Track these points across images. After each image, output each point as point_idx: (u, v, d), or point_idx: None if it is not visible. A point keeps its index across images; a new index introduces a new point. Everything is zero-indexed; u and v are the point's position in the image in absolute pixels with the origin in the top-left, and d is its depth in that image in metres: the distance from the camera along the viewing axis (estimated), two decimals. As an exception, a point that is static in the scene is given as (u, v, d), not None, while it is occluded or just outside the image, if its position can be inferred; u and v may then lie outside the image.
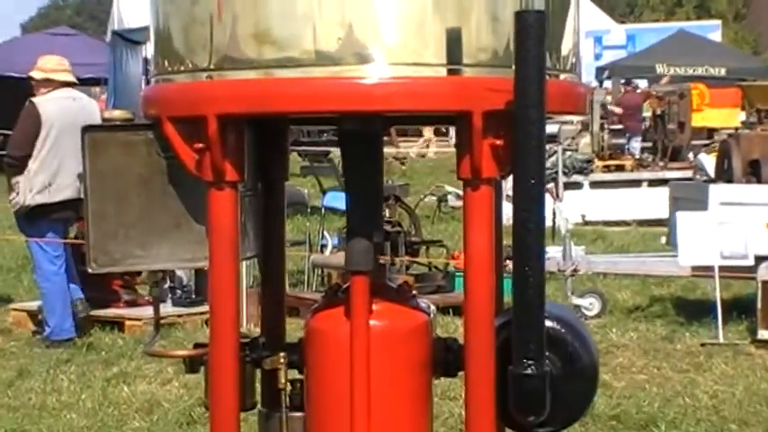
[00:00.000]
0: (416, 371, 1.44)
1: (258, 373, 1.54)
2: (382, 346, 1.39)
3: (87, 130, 1.41)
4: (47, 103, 5.35)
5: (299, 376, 1.51)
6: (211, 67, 1.29)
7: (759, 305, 5.84)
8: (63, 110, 5.38)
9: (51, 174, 5.44)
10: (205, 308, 5.59)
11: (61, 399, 4.72)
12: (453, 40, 1.25)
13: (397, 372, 1.43)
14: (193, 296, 6.10)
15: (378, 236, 1.43)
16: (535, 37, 1.21)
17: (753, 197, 7.04)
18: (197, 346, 1.49)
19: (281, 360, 1.49)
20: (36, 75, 5.60)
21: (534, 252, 1.27)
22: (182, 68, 1.34)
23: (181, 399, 4.56)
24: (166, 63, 1.38)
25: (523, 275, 1.27)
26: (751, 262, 6.01)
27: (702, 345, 5.79)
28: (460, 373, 1.44)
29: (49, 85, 5.53)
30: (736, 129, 12.14)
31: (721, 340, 5.87)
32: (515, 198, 1.27)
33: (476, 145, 1.27)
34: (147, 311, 5.18)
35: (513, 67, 1.22)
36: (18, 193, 5.55)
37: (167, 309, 5.91)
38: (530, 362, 1.27)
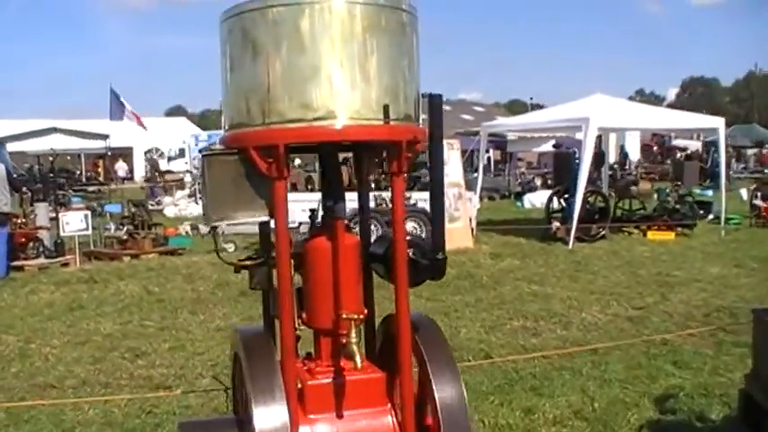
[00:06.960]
0: (355, 261, 2.37)
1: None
2: (346, 250, 2.33)
3: (205, 154, 2.12)
4: None
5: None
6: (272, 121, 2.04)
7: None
8: None
9: None
10: (58, 259, 10.50)
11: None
12: (386, 110, 2.08)
13: (348, 261, 2.34)
14: (54, 253, 11.13)
15: (344, 207, 2.41)
16: (438, 107, 2.21)
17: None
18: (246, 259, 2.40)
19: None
20: None
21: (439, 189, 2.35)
22: (257, 122, 2.05)
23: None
24: (237, 120, 2.12)
25: (436, 206, 2.36)
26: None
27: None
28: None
29: None
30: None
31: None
32: (432, 182, 2.34)
33: (402, 157, 2.16)
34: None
35: (428, 120, 2.13)
36: None
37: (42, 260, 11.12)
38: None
